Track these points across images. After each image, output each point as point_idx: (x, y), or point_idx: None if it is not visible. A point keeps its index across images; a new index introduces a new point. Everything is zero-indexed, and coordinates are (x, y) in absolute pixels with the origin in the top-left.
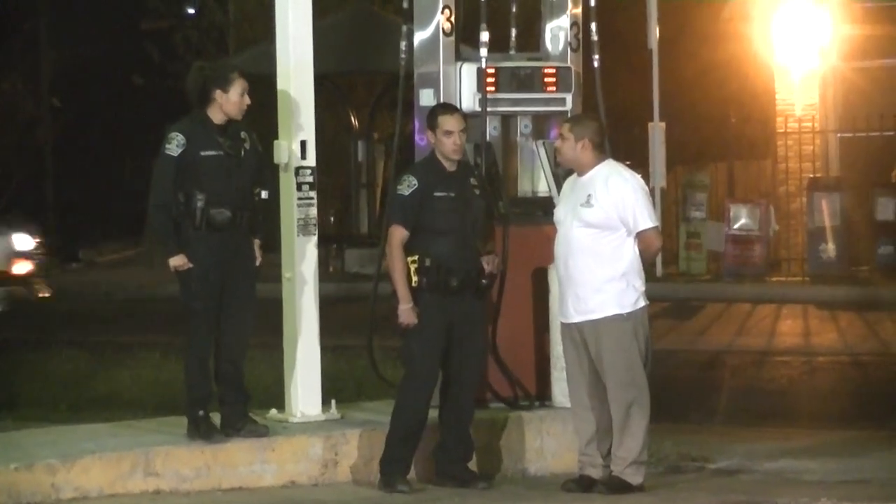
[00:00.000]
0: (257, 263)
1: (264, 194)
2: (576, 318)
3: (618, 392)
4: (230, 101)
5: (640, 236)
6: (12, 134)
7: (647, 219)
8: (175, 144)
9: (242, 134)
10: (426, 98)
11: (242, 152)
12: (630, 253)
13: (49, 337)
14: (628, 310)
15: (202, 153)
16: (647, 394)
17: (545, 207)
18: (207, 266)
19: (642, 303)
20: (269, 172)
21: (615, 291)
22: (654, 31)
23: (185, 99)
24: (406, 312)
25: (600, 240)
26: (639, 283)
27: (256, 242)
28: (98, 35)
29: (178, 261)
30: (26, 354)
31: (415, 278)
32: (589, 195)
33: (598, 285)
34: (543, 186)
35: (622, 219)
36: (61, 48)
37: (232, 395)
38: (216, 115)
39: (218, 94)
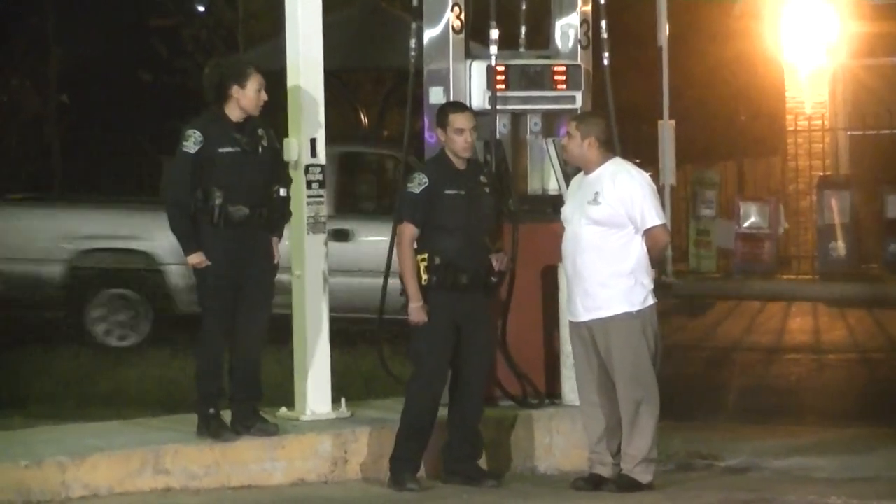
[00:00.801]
0: (276, 261)
1: (283, 192)
2: (584, 317)
3: (627, 390)
4: (246, 97)
5: (648, 233)
6: (19, 132)
7: (654, 216)
8: (192, 142)
9: (259, 131)
10: (436, 96)
11: (260, 149)
12: (638, 250)
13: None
14: (637, 307)
15: (220, 150)
16: (656, 391)
17: (555, 205)
18: (224, 263)
19: (651, 300)
20: (286, 170)
21: (624, 289)
22: (664, 29)
23: (192, 96)
24: (416, 311)
25: (608, 237)
26: (647, 281)
27: (275, 240)
28: (105, 32)
29: (196, 258)
30: (34, 352)
31: (424, 276)
32: (596, 193)
33: (607, 283)
34: (553, 184)
35: (630, 216)
36: (67, 45)
37: (244, 393)
38: (233, 112)
39: (234, 89)
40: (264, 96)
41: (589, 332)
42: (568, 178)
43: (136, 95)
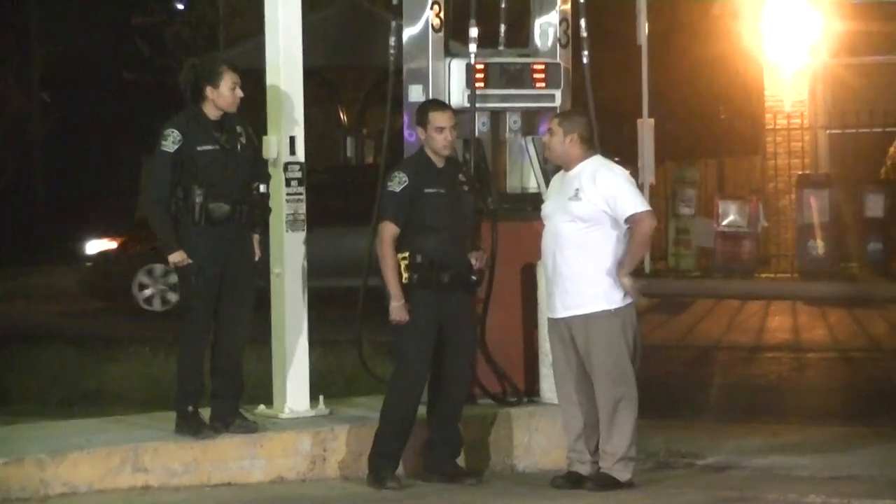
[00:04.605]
0: (256, 258)
1: (262, 188)
2: (563, 314)
3: (605, 388)
4: (222, 96)
5: (635, 219)
6: (3, 130)
7: (638, 203)
8: (171, 141)
9: (238, 128)
10: (415, 94)
11: (238, 146)
12: (618, 248)
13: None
14: (616, 305)
15: (199, 148)
16: (634, 390)
17: (534, 203)
18: (206, 261)
19: (630, 298)
20: (265, 166)
21: (603, 287)
22: (644, 28)
23: (174, 94)
24: (397, 309)
25: (588, 234)
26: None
27: (256, 238)
28: (88, 30)
29: (177, 257)
30: (16, 349)
31: (405, 275)
32: (577, 189)
33: (587, 280)
34: (532, 182)
35: (612, 211)
36: (51, 44)
37: (226, 389)
38: (210, 111)
39: (209, 90)
40: (240, 93)
41: (568, 330)
42: (547, 177)
43: (119, 93)
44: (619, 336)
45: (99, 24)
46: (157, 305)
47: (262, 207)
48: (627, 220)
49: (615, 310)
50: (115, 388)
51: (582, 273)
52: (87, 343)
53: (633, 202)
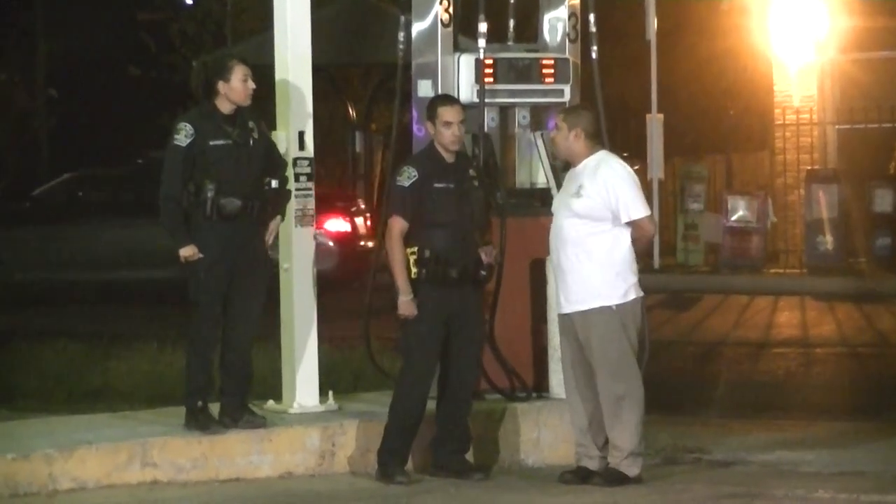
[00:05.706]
0: (270, 242)
1: (274, 184)
2: (566, 309)
3: (607, 384)
4: (233, 89)
5: (634, 225)
6: (7, 126)
7: (639, 207)
8: (183, 135)
9: (251, 123)
10: (424, 89)
11: (251, 141)
12: (619, 243)
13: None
14: (616, 302)
15: (211, 143)
16: (639, 386)
17: (543, 199)
18: (217, 256)
19: (633, 295)
20: (278, 162)
21: (602, 283)
22: (653, 23)
23: (180, 90)
24: (406, 304)
25: (588, 230)
26: (629, 275)
27: (277, 220)
28: (94, 26)
29: (188, 251)
30: (22, 345)
31: (414, 270)
32: (580, 185)
33: (586, 276)
34: (541, 178)
35: (610, 207)
36: (56, 40)
37: (235, 386)
38: (223, 106)
39: (220, 85)
40: (252, 85)
41: (571, 325)
42: (556, 172)
43: (124, 90)
44: (620, 333)
45: (104, 21)
46: None
47: (273, 203)
48: (629, 224)
49: (615, 307)
50: (121, 384)
51: (581, 269)
52: (93, 338)
53: (635, 205)
